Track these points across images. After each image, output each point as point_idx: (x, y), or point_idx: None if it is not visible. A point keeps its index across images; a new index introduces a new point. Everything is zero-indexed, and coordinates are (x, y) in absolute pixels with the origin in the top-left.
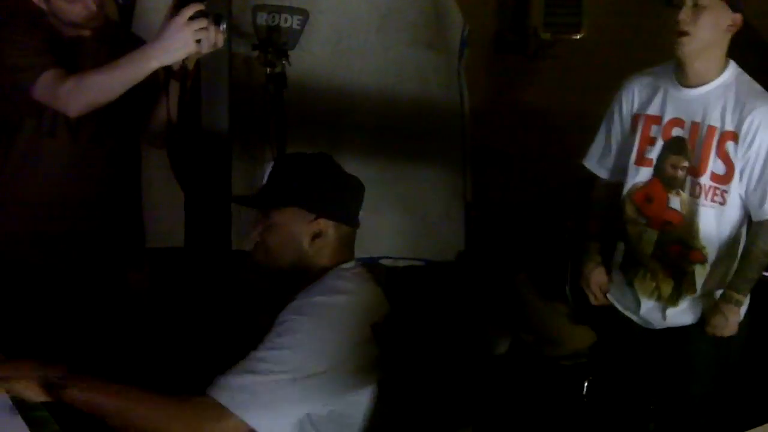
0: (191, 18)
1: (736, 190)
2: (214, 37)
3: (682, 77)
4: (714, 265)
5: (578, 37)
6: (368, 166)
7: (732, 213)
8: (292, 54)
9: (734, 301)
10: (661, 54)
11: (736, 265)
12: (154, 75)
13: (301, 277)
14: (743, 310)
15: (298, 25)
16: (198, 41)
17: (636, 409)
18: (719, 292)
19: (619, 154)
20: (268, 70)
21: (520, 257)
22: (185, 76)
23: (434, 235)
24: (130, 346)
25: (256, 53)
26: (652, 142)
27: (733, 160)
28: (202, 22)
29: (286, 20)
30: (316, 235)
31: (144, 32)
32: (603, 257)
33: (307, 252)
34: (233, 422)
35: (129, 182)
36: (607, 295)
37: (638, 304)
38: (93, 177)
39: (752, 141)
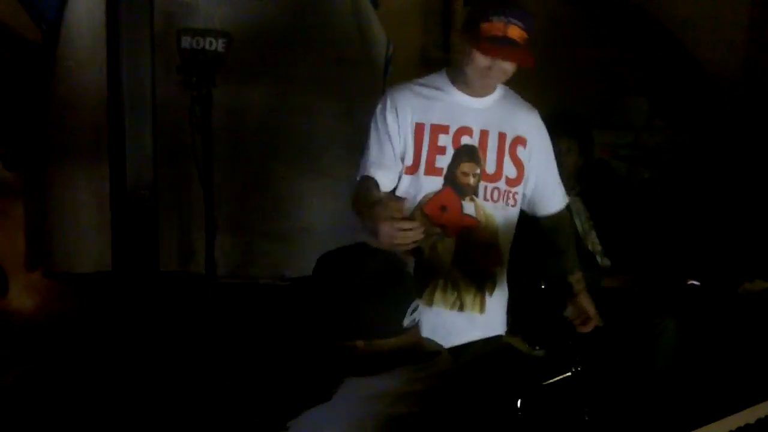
0: None
1: (521, 190)
2: None
3: (466, 88)
4: (506, 264)
5: None
6: (299, 184)
7: (517, 212)
8: (217, 76)
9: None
10: (575, 62)
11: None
12: None
13: None
14: None
15: (222, 47)
16: None
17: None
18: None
19: (393, 161)
20: (194, 92)
21: None
22: None
23: None
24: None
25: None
26: (441, 151)
27: (523, 162)
28: None
29: (210, 43)
30: None
31: (71, 57)
32: None
33: None
34: None
35: None
36: None
37: (439, 324)
38: None
39: (536, 143)
